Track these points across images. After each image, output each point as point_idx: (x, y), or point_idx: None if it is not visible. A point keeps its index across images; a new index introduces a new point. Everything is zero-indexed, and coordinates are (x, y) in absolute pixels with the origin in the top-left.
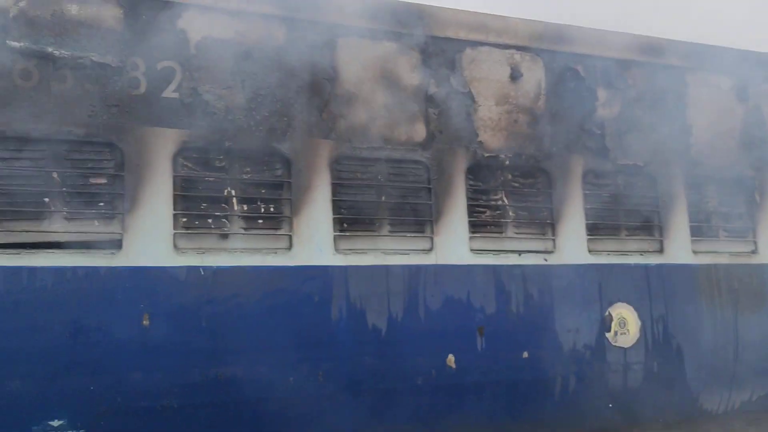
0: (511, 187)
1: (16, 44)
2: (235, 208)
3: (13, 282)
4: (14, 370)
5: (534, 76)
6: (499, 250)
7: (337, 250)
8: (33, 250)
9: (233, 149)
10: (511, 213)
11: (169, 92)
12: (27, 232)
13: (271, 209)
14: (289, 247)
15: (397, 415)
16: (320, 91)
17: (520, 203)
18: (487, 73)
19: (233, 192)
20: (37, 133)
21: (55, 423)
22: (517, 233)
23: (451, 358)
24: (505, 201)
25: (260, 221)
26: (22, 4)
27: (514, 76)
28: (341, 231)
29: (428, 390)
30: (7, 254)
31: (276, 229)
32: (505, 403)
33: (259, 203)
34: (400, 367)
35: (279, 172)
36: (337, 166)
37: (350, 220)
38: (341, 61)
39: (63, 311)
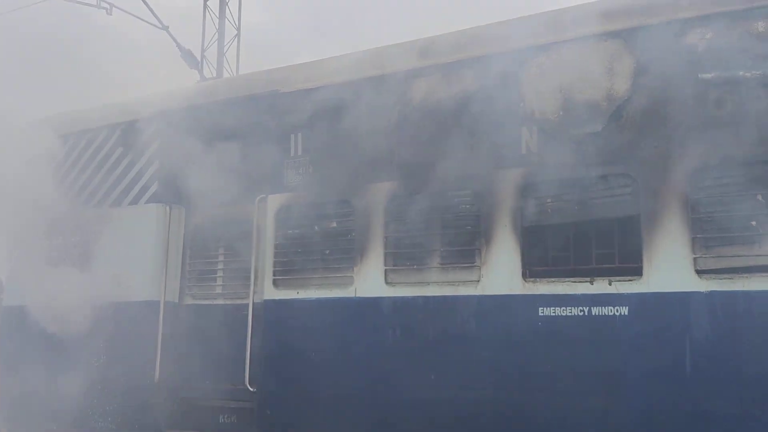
0: None
1: (707, 76)
2: None
3: (729, 306)
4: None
5: None
6: None
7: None
8: (746, 274)
9: None
10: None
11: None
12: (738, 256)
13: None
14: None
15: None
16: None
17: None
18: None
19: None
20: (739, 158)
21: None
22: None
23: None
24: None
25: None
26: (708, 36)
27: None
28: None
29: None
30: (721, 279)
31: None
32: None
33: None
34: None
35: None
36: None
37: None
38: None
39: None
